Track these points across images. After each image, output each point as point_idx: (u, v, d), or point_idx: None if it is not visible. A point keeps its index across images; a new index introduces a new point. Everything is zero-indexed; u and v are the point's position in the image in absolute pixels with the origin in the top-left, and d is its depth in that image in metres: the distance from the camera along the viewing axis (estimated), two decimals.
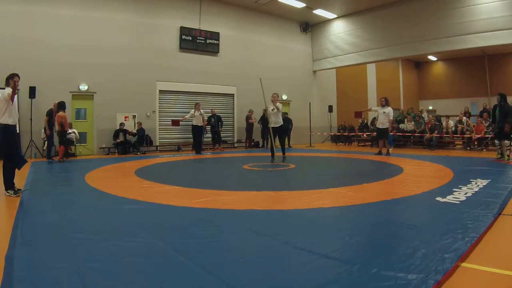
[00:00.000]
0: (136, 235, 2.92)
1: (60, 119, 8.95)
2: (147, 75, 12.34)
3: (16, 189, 4.81)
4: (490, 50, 17.47)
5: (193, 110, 11.39)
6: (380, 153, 10.34)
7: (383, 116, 9.94)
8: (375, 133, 10.75)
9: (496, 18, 11.00)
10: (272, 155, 8.38)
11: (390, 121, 10.05)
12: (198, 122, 11.28)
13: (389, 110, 9.92)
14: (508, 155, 7.90)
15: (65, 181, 6.36)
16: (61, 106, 9.02)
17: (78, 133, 10.94)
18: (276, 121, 8.28)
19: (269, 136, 8.73)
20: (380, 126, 10.06)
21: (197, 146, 11.48)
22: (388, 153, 10.16)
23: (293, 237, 2.80)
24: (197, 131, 11.37)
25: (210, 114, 13.01)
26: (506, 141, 7.90)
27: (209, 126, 12.92)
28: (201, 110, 11.53)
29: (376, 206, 3.97)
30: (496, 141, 8.54)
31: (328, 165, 8.84)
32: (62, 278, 2.06)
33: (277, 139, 8.55)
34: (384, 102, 10.03)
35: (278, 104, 8.14)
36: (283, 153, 8.59)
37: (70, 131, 10.36)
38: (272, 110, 8.21)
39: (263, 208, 3.83)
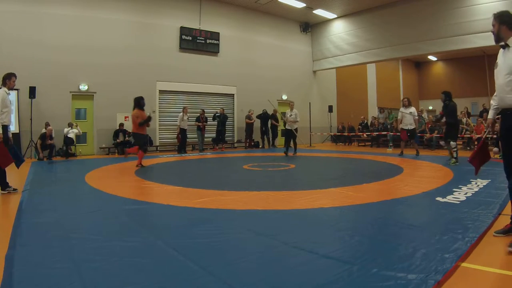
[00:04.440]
0: (136, 235, 2.92)
1: (134, 118, 7.62)
2: (147, 75, 12.33)
3: (12, 188, 4.90)
4: (490, 50, 17.43)
5: (182, 113, 11.72)
6: (402, 154, 9.89)
7: (410, 117, 9.62)
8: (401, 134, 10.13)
9: None
10: (286, 150, 10.54)
11: (416, 120, 9.83)
12: (185, 125, 11.71)
13: (413, 109, 9.76)
14: (456, 157, 7.43)
15: (65, 181, 6.36)
16: (136, 102, 7.74)
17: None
18: (292, 124, 10.28)
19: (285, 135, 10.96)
20: (409, 127, 9.62)
21: (182, 147, 11.91)
22: (417, 154, 9.68)
23: (293, 237, 2.80)
24: (183, 134, 11.79)
25: (218, 113, 13.05)
26: (452, 143, 7.51)
27: (216, 125, 13.08)
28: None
29: (376, 206, 3.96)
30: (441, 142, 8.06)
31: (328, 165, 8.84)
32: (62, 278, 2.06)
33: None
34: (407, 102, 9.74)
35: (295, 110, 10.33)
36: (295, 150, 10.59)
37: (70, 130, 10.34)
38: (290, 116, 10.26)
39: (263, 208, 3.83)
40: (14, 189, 4.96)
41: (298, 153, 10.66)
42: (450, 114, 7.57)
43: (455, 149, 7.51)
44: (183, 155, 11.29)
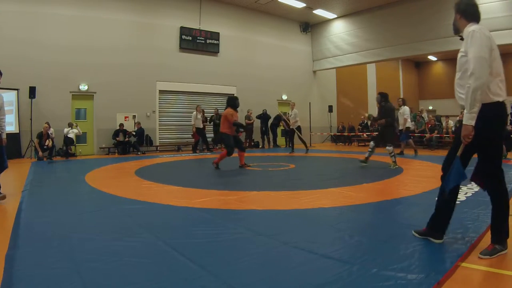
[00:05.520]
0: (136, 235, 2.92)
1: (228, 116, 7.17)
2: (147, 75, 12.34)
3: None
4: None
5: (195, 112, 11.74)
6: (402, 153, 9.96)
7: (401, 117, 9.96)
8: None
9: (496, 18, 10.97)
10: (305, 145, 11.30)
11: (405, 120, 9.96)
12: (200, 124, 11.68)
13: (403, 109, 10.01)
14: (394, 161, 7.24)
15: (65, 181, 6.36)
16: (231, 102, 7.37)
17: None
18: (294, 123, 10.95)
19: (295, 133, 11.35)
20: (400, 127, 9.96)
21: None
22: (416, 154, 9.93)
23: (293, 237, 2.80)
24: (200, 132, 11.84)
25: (213, 114, 13.06)
26: (389, 148, 7.26)
27: (212, 126, 13.03)
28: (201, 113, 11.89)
29: (376, 206, 3.97)
30: (372, 143, 7.61)
31: (328, 165, 8.84)
32: (62, 278, 2.06)
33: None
34: (401, 102, 10.12)
35: (295, 110, 10.91)
36: (292, 148, 11.35)
37: (70, 130, 10.34)
38: (290, 115, 10.95)
39: (263, 208, 3.83)
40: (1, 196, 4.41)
41: (298, 153, 10.70)
42: (386, 116, 7.32)
43: (393, 154, 7.24)
44: (198, 154, 11.35)
